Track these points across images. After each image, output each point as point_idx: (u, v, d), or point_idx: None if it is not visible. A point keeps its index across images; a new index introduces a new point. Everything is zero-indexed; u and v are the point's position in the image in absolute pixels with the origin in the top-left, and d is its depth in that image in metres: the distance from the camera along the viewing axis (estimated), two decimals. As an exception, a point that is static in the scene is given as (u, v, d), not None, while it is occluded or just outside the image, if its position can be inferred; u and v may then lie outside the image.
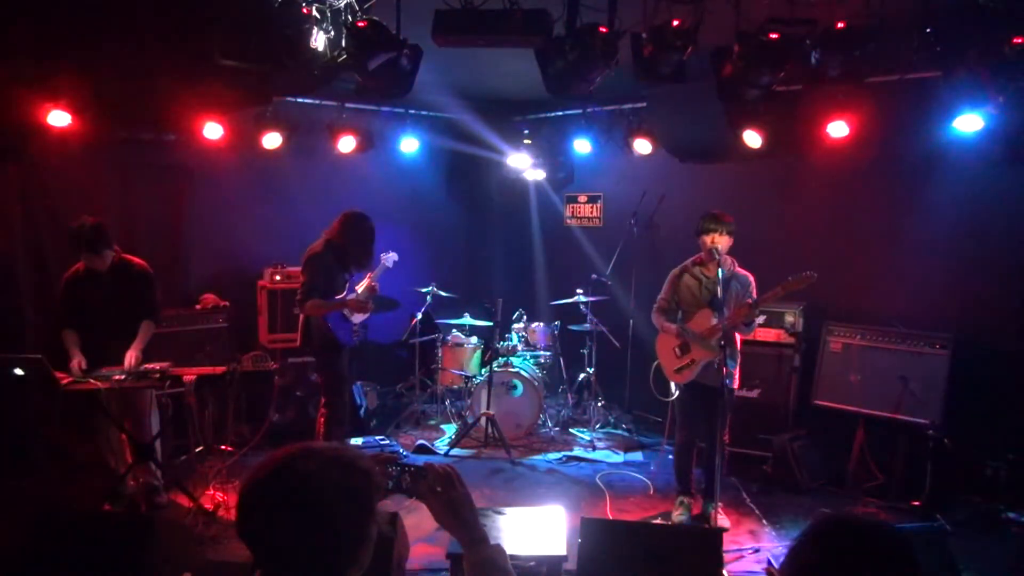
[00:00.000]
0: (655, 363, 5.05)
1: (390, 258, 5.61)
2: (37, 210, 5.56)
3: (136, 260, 4.88)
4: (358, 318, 5.29)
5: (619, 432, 6.70)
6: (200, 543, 4.16)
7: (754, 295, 4.63)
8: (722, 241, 4.60)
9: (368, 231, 5.17)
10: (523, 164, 7.65)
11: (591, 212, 7.95)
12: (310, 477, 1.37)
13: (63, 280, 4.76)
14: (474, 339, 7.07)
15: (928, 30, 3.71)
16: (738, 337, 4.72)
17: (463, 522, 1.65)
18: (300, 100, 6.60)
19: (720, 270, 4.52)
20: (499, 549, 1.65)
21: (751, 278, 4.73)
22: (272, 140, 6.26)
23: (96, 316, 4.71)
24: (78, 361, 4.57)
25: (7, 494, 4.58)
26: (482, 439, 6.26)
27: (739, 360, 4.78)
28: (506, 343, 6.75)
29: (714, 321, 4.56)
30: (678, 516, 4.85)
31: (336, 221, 5.16)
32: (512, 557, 1.68)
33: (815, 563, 1.44)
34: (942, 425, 4.91)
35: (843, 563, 1.41)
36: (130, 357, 4.64)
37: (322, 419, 5.15)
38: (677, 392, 4.95)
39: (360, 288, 5.37)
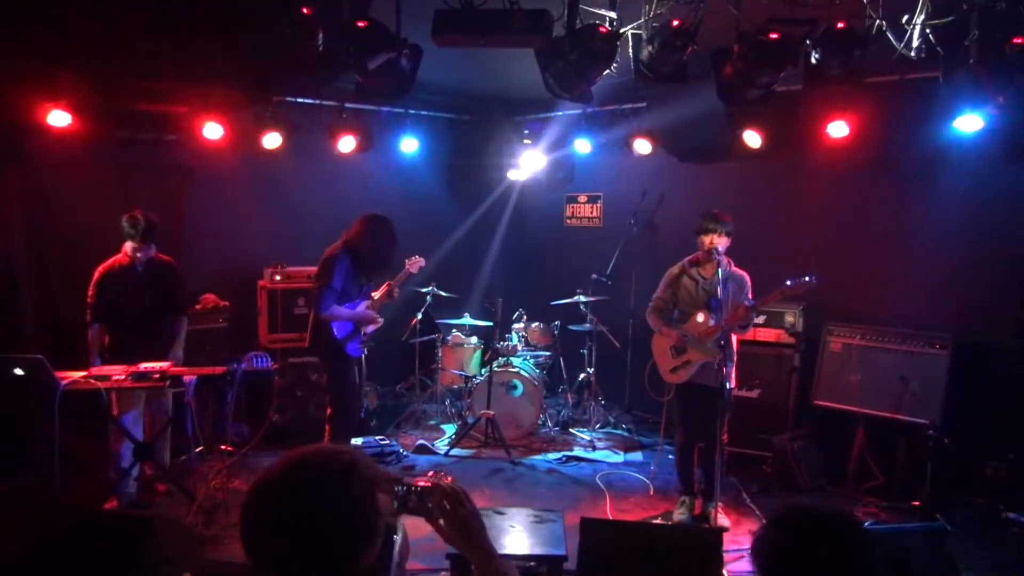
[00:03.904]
0: (650, 362, 5.06)
1: (416, 263, 5.41)
2: (37, 210, 5.56)
3: (165, 257, 4.98)
4: (369, 328, 5.13)
5: (619, 432, 6.70)
6: (200, 543, 4.16)
7: (750, 295, 4.63)
8: (721, 242, 4.60)
9: (391, 237, 4.88)
10: (523, 164, 7.65)
11: (591, 212, 7.95)
12: (318, 479, 1.37)
13: (97, 273, 4.79)
14: (474, 339, 7.07)
15: (928, 30, 3.70)
16: (734, 337, 4.72)
17: (473, 539, 1.66)
18: (300, 100, 6.59)
19: (719, 270, 4.53)
20: (508, 563, 1.67)
21: (747, 277, 4.73)
22: (272, 140, 6.24)
23: (128, 310, 4.77)
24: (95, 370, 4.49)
25: (7, 494, 4.58)
26: (482, 439, 6.26)
27: (735, 360, 4.78)
28: (506, 343, 6.75)
29: (712, 322, 4.56)
30: (679, 516, 4.86)
31: (356, 223, 4.86)
32: (512, 557, 1.68)
33: (775, 551, 1.54)
34: (942, 425, 4.90)
35: (800, 550, 1.51)
36: (171, 357, 4.77)
37: (328, 427, 4.95)
38: (672, 392, 4.95)
39: (377, 294, 5.18)
